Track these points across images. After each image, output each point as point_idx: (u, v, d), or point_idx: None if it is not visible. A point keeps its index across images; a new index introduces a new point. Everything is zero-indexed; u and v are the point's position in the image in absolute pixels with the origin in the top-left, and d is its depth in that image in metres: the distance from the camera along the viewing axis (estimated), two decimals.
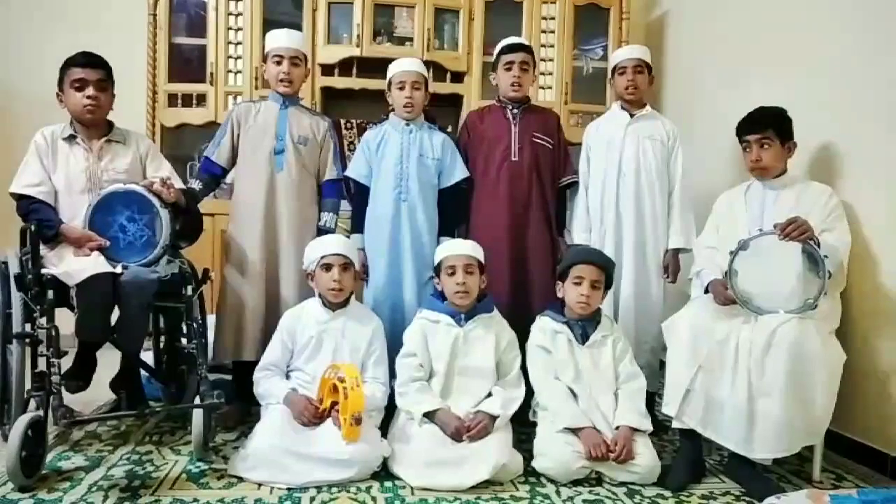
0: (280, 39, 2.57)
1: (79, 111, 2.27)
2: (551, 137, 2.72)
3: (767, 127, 2.27)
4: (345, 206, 2.77)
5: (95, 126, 2.33)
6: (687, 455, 2.14)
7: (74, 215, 2.22)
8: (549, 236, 2.68)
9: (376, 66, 3.24)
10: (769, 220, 2.17)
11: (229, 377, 2.69)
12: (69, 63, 2.28)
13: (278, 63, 2.55)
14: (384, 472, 2.06)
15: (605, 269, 2.27)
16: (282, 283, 2.54)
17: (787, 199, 2.27)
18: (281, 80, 2.56)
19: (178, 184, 2.35)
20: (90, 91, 2.25)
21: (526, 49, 2.69)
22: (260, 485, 1.96)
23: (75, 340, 2.22)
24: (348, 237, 2.54)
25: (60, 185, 2.25)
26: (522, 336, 2.34)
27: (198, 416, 2.09)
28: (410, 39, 3.62)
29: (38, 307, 2.04)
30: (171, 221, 2.19)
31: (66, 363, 2.10)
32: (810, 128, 2.35)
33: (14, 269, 2.14)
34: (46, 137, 2.28)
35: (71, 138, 2.30)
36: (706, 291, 2.26)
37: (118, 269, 2.09)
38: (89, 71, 2.26)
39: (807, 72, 2.61)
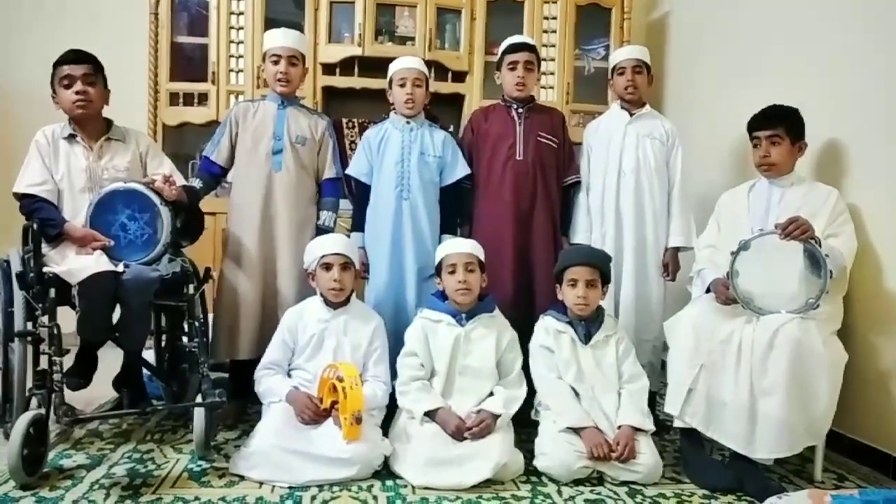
0: (277, 39, 2.56)
1: (69, 108, 2.27)
2: (557, 137, 2.71)
3: (779, 124, 2.26)
4: (344, 204, 2.76)
5: (90, 121, 2.32)
6: (699, 454, 2.12)
7: (76, 214, 2.22)
8: (553, 235, 2.67)
9: (378, 66, 3.23)
10: (773, 219, 2.16)
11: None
12: (57, 63, 2.27)
13: (276, 63, 2.55)
14: (385, 471, 2.06)
15: (600, 267, 2.26)
16: (280, 282, 2.53)
17: (792, 199, 2.26)
18: (278, 80, 2.55)
19: (180, 180, 2.35)
20: (78, 86, 2.25)
21: (530, 48, 2.68)
22: (261, 483, 1.96)
23: (77, 339, 2.22)
24: (348, 236, 2.54)
25: (61, 184, 2.25)
26: (527, 336, 2.33)
27: (199, 414, 2.09)
28: (412, 39, 3.61)
29: (40, 305, 2.05)
30: (171, 219, 2.19)
31: (68, 361, 2.09)
32: (813, 128, 2.34)
33: (16, 267, 2.14)
34: (48, 136, 2.28)
35: (71, 137, 2.30)
36: (707, 291, 2.26)
37: (119, 268, 2.09)
38: (75, 67, 2.26)
39: (809, 72, 2.61)
